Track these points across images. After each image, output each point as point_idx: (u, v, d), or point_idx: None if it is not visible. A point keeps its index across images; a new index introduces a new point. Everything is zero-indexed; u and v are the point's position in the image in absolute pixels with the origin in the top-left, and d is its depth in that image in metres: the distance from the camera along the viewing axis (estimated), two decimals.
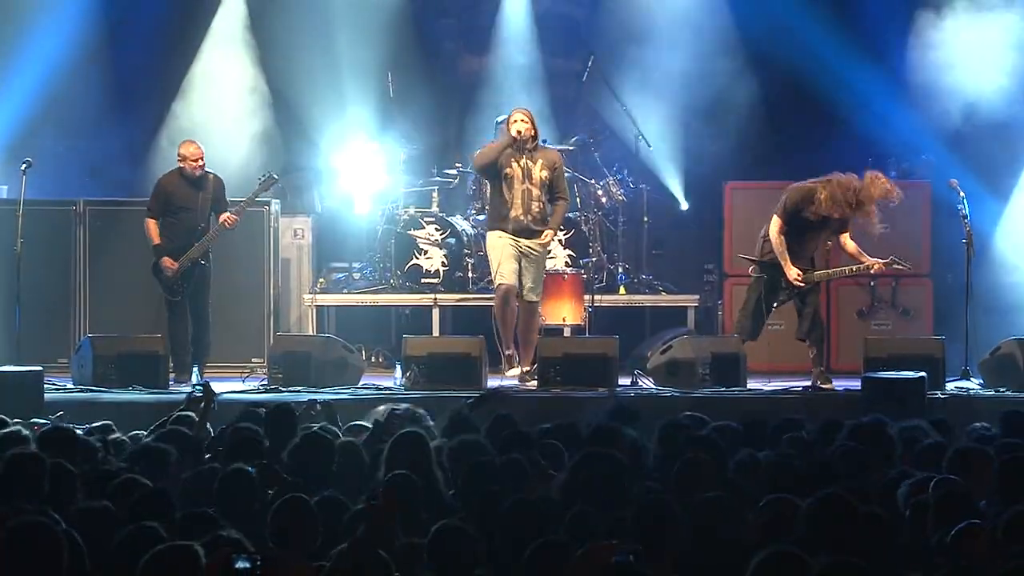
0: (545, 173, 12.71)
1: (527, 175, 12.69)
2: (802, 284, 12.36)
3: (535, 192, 12.69)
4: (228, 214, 13.07)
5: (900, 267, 12.62)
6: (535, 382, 12.64)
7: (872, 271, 12.59)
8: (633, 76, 15.43)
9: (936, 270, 14.59)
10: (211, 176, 13.19)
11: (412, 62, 15.81)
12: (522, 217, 12.66)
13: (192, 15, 15.80)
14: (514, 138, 12.63)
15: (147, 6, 15.56)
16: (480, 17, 16.15)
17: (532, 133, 12.72)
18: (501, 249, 12.68)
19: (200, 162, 13.09)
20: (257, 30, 15.75)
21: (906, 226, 14.56)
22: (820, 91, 15.28)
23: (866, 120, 15.22)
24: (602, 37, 15.67)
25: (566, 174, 14.99)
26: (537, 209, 12.69)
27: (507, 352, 12.84)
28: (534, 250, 12.73)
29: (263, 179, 13.33)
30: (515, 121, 12.69)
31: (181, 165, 13.12)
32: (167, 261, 13.00)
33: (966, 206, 13.10)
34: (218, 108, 15.56)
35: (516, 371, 12.78)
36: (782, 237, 12.34)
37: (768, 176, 14.46)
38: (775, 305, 12.62)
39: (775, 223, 12.38)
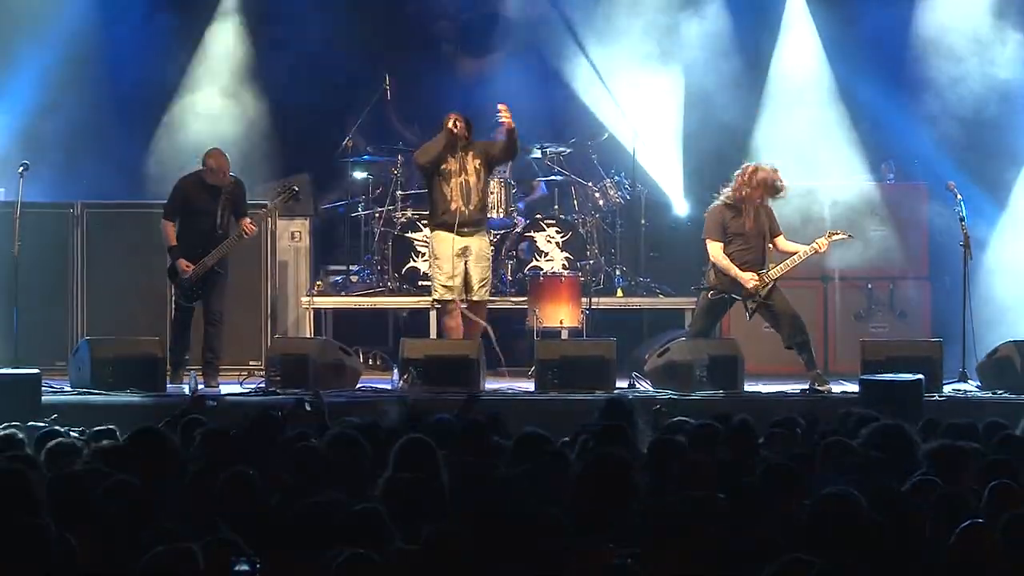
0: (479, 160, 12.96)
1: (463, 168, 12.92)
2: (759, 284, 12.42)
3: (472, 181, 12.92)
4: (248, 222, 12.99)
5: (841, 236, 12.71)
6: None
7: (820, 251, 12.63)
8: (630, 77, 15.44)
9: (934, 272, 14.60)
10: (231, 179, 13.11)
11: (410, 64, 15.81)
12: (464, 208, 12.88)
13: (189, 18, 15.79)
14: (451, 131, 12.87)
15: (144, 10, 15.54)
16: (478, 19, 16.15)
17: (466, 131, 12.98)
18: (446, 253, 12.93)
19: (227, 174, 12.99)
20: (252, 32, 15.74)
21: (904, 228, 14.60)
22: (818, 93, 15.30)
23: (864, 122, 15.23)
24: (598, 38, 15.66)
25: (561, 177, 15.10)
26: (476, 199, 12.94)
27: None
28: (478, 247, 12.96)
29: (283, 191, 13.28)
30: (451, 119, 12.95)
31: (204, 172, 13.01)
32: (183, 263, 12.91)
33: (963, 208, 13.11)
34: (215, 110, 15.54)
35: None
36: (724, 255, 12.52)
37: None
38: (748, 317, 12.72)
39: (712, 246, 12.64)
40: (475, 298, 13.02)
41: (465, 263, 12.92)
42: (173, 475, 6.85)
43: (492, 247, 13.54)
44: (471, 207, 12.90)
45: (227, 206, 12.98)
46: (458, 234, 12.84)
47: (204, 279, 12.99)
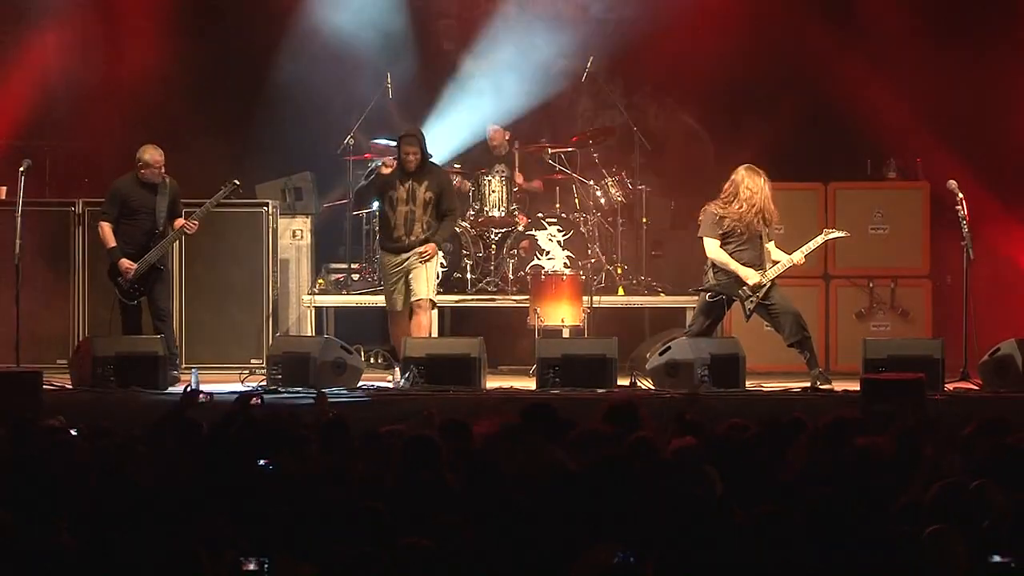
0: (430, 194, 12.96)
1: (411, 197, 12.95)
2: (765, 283, 12.41)
3: (418, 212, 12.96)
4: (188, 221, 12.99)
5: (837, 234, 12.71)
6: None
7: (814, 248, 12.61)
8: (631, 76, 15.44)
9: (935, 271, 14.59)
10: (167, 180, 13.05)
11: (411, 62, 15.81)
12: (404, 238, 12.95)
13: (189, 13, 15.79)
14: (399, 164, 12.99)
15: (144, 6, 15.54)
16: (479, 17, 16.15)
17: (419, 158, 12.96)
18: (388, 275, 13.12)
19: (161, 169, 12.98)
20: (252, 33, 15.74)
21: (905, 227, 14.59)
22: (819, 90, 15.30)
23: (865, 119, 15.22)
24: (599, 36, 15.66)
25: (564, 173, 15.09)
26: (420, 230, 12.96)
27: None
28: (418, 259, 12.99)
29: (226, 186, 13.26)
30: (406, 152, 12.95)
31: (142, 171, 12.95)
32: (126, 263, 12.88)
33: (964, 207, 13.10)
34: (215, 109, 15.55)
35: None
36: (723, 251, 12.46)
37: (769, 177, 14.43)
38: (747, 317, 12.68)
39: (709, 243, 12.55)
40: (420, 302, 13.04)
41: (407, 280, 13.00)
42: None
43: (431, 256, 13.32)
44: (412, 237, 12.96)
45: (165, 205, 12.95)
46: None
47: (145, 276, 12.96)
